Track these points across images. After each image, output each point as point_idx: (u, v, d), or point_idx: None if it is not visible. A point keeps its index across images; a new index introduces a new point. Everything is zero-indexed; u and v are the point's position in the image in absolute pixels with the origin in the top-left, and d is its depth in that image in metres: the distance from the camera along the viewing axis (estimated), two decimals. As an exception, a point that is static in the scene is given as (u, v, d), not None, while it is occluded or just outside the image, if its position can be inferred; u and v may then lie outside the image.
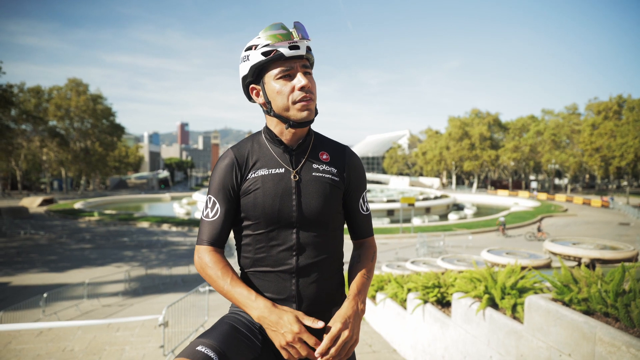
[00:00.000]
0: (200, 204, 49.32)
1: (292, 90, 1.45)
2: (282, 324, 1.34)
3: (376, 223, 36.90)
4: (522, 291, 3.42)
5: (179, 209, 48.30)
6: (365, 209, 1.65)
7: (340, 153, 1.61)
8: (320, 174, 1.53)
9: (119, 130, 70.21)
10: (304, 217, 1.48)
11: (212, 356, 1.29)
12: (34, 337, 5.69)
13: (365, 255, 1.64)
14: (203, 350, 1.30)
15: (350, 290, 1.53)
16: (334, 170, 1.56)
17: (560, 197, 56.56)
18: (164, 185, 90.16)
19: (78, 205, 48.92)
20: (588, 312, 2.65)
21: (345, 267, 1.75)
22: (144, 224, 37.05)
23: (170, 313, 6.14)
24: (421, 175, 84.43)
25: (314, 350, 1.34)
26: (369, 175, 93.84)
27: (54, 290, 14.06)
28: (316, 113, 1.51)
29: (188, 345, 1.35)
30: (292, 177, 1.51)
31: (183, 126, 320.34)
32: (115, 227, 36.14)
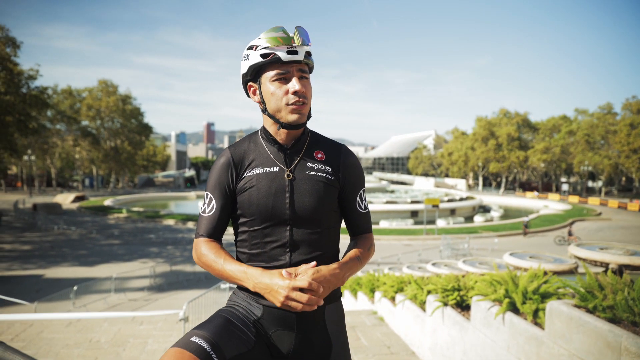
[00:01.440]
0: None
1: (286, 93, 1.49)
2: (272, 285, 1.39)
3: (400, 224, 36.61)
4: (545, 296, 3.32)
5: (204, 207, 48.74)
6: (363, 207, 1.67)
7: (335, 152, 1.64)
8: (314, 173, 1.56)
9: (147, 129, 71.36)
10: (297, 215, 1.52)
11: (206, 347, 1.33)
12: (63, 327, 5.86)
13: (362, 244, 1.65)
14: (197, 341, 1.35)
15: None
16: (329, 169, 1.59)
17: (593, 200, 54.54)
18: (190, 183, 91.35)
19: (108, 202, 50.02)
20: (613, 321, 2.54)
21: None
22: (170, 222, 37.62)
23: (190, 308, 6.23)
24: (447, 176, 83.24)
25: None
26: (393, 176, 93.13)
27: (84, 283, 14.53)
28: (309, 117, 1.57)
29: (183, 336, 1.40)
30: (285, 175, 1.55)
31: (209, 126, 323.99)
32: (142, 224, 36.85)
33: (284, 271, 1.42)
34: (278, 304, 1.38)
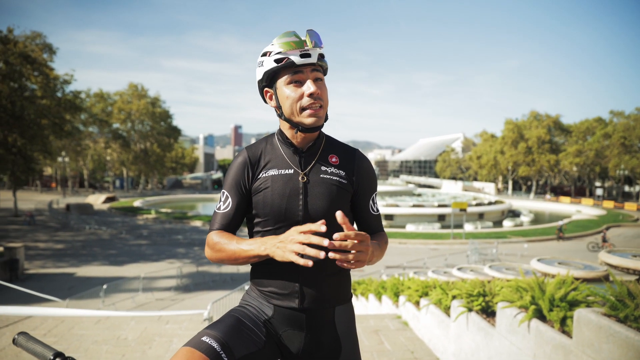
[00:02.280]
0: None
1: (301, 96, 1.51)
2: (279, 238, 1.38)
3: (426, 228, 36.23)
4: (573, 304, 3.22)
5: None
6: (375, 209, 1.69)
7: (350, 156, 1.66)
8: (328, 176, 1.58)
9: (175, 132, 72.60)
10: (309, 217, 1.53)
11: (216, 347, 1.37)
12: (93, 324, 5.98)
13: (377, 237, 1.64)
14: (207, 340, 1.38)
15: None
16: (343, 173, 1.61)
17: (630, 206, 52.55)
18: (217, 185, 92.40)
19: (137, 203, 51.18)
20: (644, 330, 2.45)
21: (371, 267, 1.74)
22: (197, 223, 38.14)
23: (215, 309, 6.31)
24: (475, 179, 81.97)
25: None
26: (421, 179, 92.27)
27: (113, 282, 14.89)
28: (326, 119, 1.58)
29: (194, 335, 1.43)
30: (300, 178, 1.57)
31: (237, 128, 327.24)
32: (170, 225, 37.52)
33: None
34: (289, 257, 1.31)
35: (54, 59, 36.41)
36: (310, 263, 1.28)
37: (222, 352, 1.36)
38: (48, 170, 69.58)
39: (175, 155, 78.30)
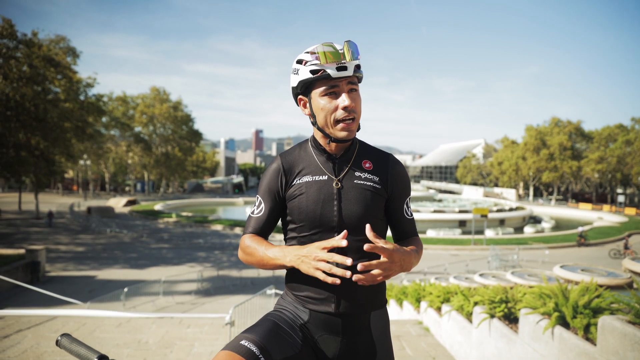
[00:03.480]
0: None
1: (336, 108, 1.52)
2: (303, 251, 1.44)
3: (447, 234, 35.97)
4: (597, 311, 3.21)
5: (251, 214, 49.44)
6: (409, 213, 1.70)
7: (383, 161, 1.67)
8: (362, 182, 1.60)
9: (197, 136, 72.96)
10: (344, 223, 1.55)
11: (255, 350, 1.38)
12: (114, 327, 6.04)
13: (413, 242, 1.67)
14: (246, 344, 1.40)
15: None
16: (376, 178, 1.62)
17: (653, 213, 51.93)
18: (238, 189, 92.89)
19: (158, 206, 51.48)
20: (670, 338, 2.45)
21: None
22: (218, 227, 38.38)
23: (237, 313, 6.31)
24: (496, 185, 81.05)
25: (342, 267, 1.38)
26: (442, 185, 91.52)
27: (134, 285, 14.96)
28: (358, 129, 1.60)
29: (232, 339, 1.45)
30: (334, 184, 1.58)
31: (258, 133, 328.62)
32: (191, 229, 37.76)
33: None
34: (311, 272, 1.40)
35: (77, 63, 37.04)
36: (338, 281, 1.36)
37: (260, 355, 1.38)
38: (70, 173, 70.33)
39: (196, 159, 78.68)
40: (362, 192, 1.58)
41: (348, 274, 1.35)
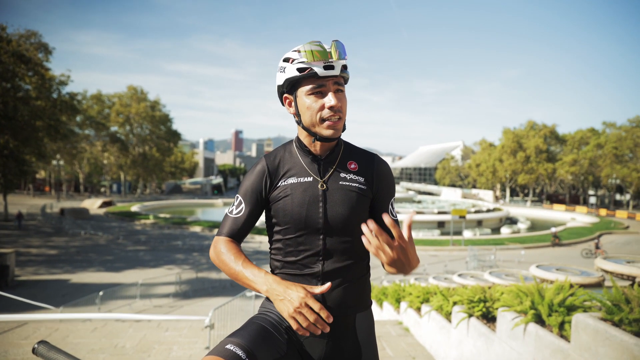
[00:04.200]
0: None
1: (322, 108, 1.51)
2: (288, 292, 1.41)
3: (426, 235, 36.36)
4: (571, 309, 3.31)
5: (230, 215, 49.08)
6: (394, 214, 1.66)
7: (368, 162, 1.66)
8: (347, 183, 1.59)
9: (175, 136, 72.08)
10: (329, 224, 1.55)
11: (240, 354, 1.36)
12: (89, 332, 5.92)
13: None
14: (232, 348, 1.37)
15: None
16: (362, 179, 1.61)
17: (621, 214, 53.53)
18: (217, 191, 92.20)
19: (135, 208, 50.72)
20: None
21: (373, 273, 1.75)
22: (196, 228, 38.02)
23: (216, 316, 6.27)
24: (474, 187, 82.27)
25: (320, 318, 1.39)
26: (420, 186, 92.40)
27: (110, 289, 14.64)
28: (343, 129, 1.58)
29: (218, 344, 1.43)
30: (319, 186, 1.58)
31: (237, 133, 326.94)
32: (169, 231, 37.27)
33: (305, 287, 1.44)
34: (286, 315, 1.40)
35: (50, 59, 35.59)
36: (307, 334, 1.40)
37: (247, 359, 1.36)
38: (41, 174, 68.82)
39: (174, 160, 77.84)
40: (347, 194, 1.57)
41: (327, 330, 1.39)
